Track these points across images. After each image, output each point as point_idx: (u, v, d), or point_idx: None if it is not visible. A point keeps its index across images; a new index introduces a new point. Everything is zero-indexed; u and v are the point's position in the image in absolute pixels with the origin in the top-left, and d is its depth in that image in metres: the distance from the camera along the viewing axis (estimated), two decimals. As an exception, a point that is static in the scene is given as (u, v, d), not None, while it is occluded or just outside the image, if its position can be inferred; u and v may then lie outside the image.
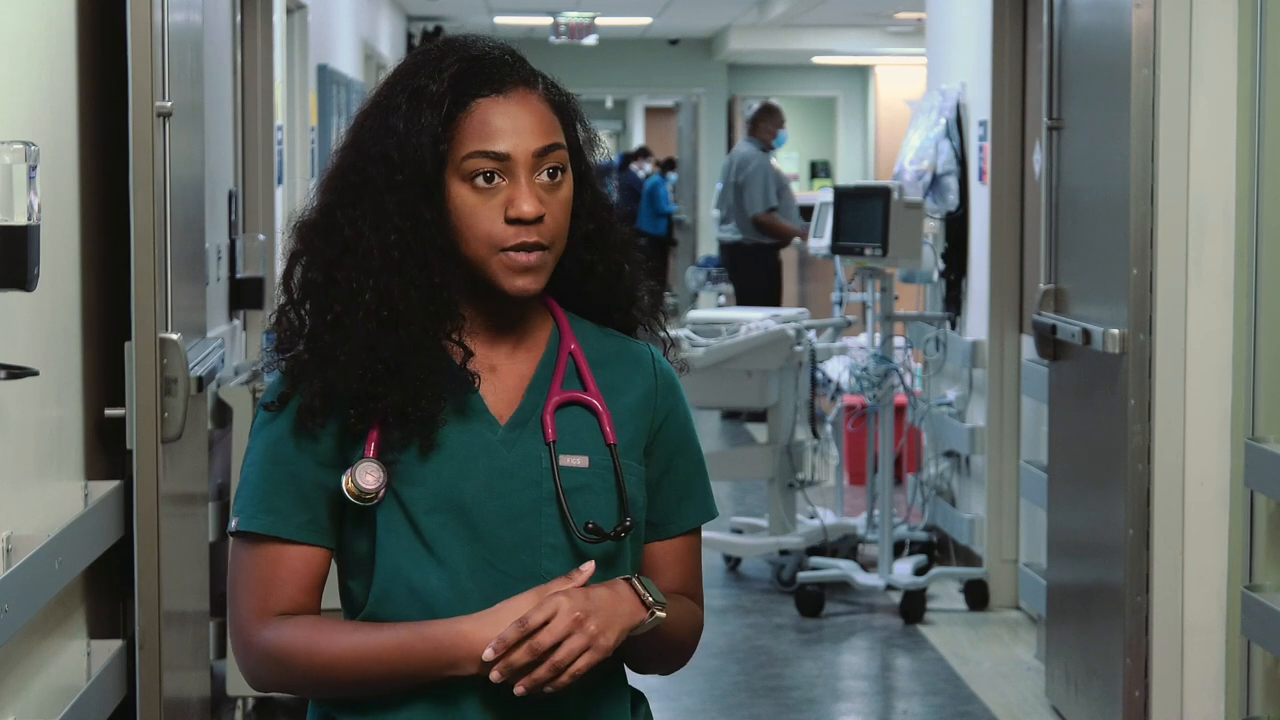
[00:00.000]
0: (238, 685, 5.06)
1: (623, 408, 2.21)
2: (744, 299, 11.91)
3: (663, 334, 2.31)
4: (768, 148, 12.20)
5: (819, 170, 21.11)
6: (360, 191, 2.14)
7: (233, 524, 2.17)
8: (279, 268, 2.28)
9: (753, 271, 12.21)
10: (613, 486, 2.18)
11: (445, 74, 2.14)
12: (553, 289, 2.23)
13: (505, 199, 2.12)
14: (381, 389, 2.11)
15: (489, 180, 2.12)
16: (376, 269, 2.12)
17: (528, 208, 2.11)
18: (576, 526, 2.15)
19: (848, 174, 20.68)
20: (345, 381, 2.11)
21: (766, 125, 12.21)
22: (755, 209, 12.01)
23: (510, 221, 2.12)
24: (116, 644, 3.79)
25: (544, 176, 2.14)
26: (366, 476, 2.12)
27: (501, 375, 2.19)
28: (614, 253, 2.25)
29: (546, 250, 2.14)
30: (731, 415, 12.15)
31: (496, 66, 2.16)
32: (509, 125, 2.13)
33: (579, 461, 2.17)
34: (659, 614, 2.11)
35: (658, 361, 2.27)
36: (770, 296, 12.02)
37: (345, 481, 2.12)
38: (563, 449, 2.16)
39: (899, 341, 7.77)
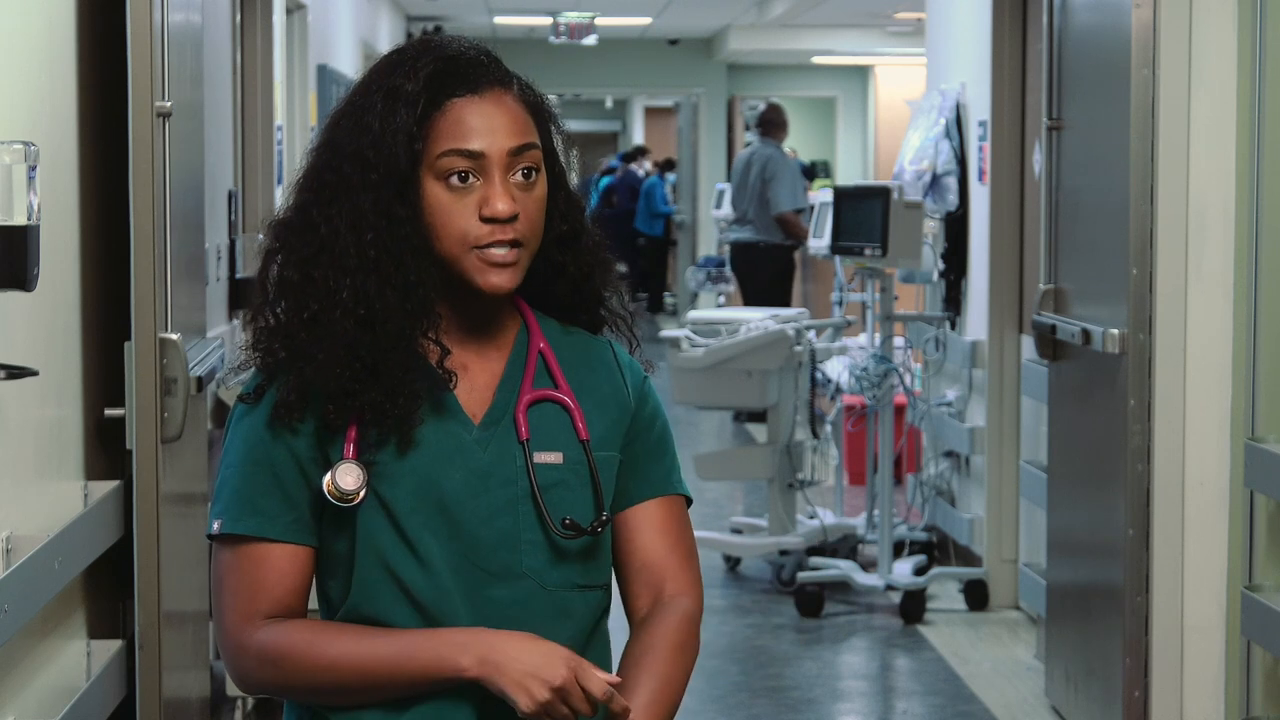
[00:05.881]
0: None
1: (593, 403, 2.24)
2: (753, 300, 11.83)
3: (629, 335, 2.33)
4: (787, 149, 12.16)
5: (819, 170, 21.10)
6: (336, 190, 2.15)
7: (214, 527, 2.16)
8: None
9: (767, 272, 12.03)
10: (588, 481, 2.20)
11: (421, 73, 2.15)
12: (520, 288, 2.23)
13: (479, 198, 2.14)
14: (359, 387, 2.13)
15: (463, 179, 2.14)
16: (352, 268, 2.13)
17: (501, 206, 2.13)
18: (553, 523, 2.17)
19: (847, 174, 20.68)
20: (323, 379, 2.13)
21: (779, 127, 12.14)
22: (783, 207, 11.80)
23: (484, 220, 2.13)
24: (116, 644, 3.78)
25: (518, 176, 2.15)
26: (347, 478, 2.13)
27: (472, 374, 2.21)
28: (585, 255, 2.27)
29: (522, 247, 2.15)
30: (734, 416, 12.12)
31: (472, 66, 2.17)
32: (483, 124, 2.14)
33: (553, 458, 2.19)
34: None
35: (618, 354, 2.30)
36: (783, 298, 11.95)
37: (326, 483, 2.13)
38: (536, 446, 2.18)
39: (899, 341, 7.77)
